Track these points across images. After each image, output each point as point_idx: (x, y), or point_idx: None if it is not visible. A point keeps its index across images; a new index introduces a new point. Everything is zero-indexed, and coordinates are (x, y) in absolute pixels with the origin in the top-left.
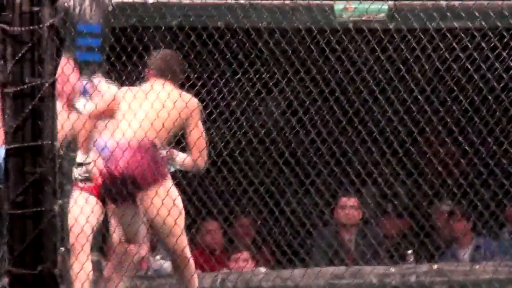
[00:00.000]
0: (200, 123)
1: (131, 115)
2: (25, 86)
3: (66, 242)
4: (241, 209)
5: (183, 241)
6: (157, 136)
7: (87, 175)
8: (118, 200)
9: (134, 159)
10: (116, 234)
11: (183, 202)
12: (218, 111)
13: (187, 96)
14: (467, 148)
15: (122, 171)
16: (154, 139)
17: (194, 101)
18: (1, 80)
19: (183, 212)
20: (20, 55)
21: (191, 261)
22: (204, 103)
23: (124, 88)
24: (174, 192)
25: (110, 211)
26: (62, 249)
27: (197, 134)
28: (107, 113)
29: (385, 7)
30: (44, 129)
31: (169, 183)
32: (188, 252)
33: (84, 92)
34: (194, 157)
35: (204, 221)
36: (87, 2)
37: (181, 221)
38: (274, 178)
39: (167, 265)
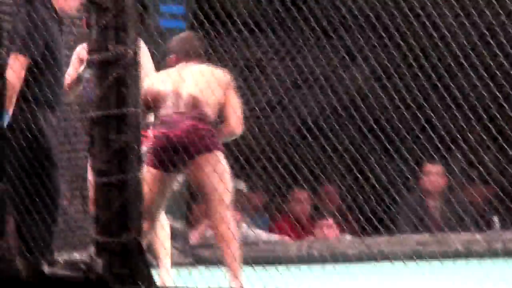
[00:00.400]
0: (235, 93)
1: (179, 93)
2: (109, 53)
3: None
4: (326, 177)
5: (230, 211)
6: (207, 112)
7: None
8: (167, 168)
9: (191, 126)
10: None
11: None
12: (303, 78)
13: (219, 71)
14: None
15: (178, 136)
16: (207, 111)
17: (226, 74)
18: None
19: (231, 185)
20: (104, 22)
21: (236, 231)
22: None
23: (156, 75)
24: (225, 163)
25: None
26: None
27: (235, 103)
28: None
29: None
30: (128, 96)
31: (221, 153)
32: (233, 223)
33: None
34: (232, 125)
35: (291, 189)
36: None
37: (230, 193)
38: (359, 145)
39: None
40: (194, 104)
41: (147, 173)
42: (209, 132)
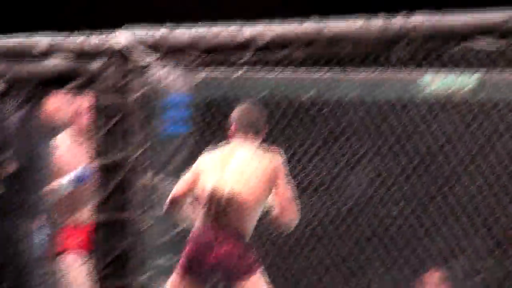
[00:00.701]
0: (285, 181)
1: (215, 194)
2: (113, 159)
3: None
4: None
5: None
6: (248, 218)
7: None
8: (195, 282)
9: (227, 250)
10: None
11: None
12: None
13: (270, 155)
14: None
15: (214, 263)
16: (244, 225)
17: (277, 156)
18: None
19: None
20: (108, 127)
21: None
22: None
23: (206, 157)
24: (263, 284)
25: None
26: None
27: (285, 191)
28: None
29: (473, 79)
30: (131, 202)
31: (259, 273)
32: None
33: (79, 178)
34: (283, 216)
35: None
36: (176, 74)
37: None
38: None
39: None
40: (238, 208)
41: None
42: (245, 252)
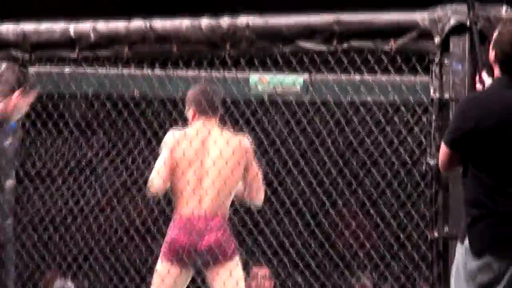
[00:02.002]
0: (254, 162)
1: (197, 181)
2: None
3: None
4: None
5: None
6: (227, 202)
7: None
8: (184, 266)
9: (214, 235)
10: None
11: None
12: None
13: (238, 138)
14: (379, 221)
15: (204, 246)
16: (225, 209)
17: (246, 141)
18: None
19: None
20: None
21: None
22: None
23: (177, 134)
24: (240, 270)
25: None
26: None
27: (253, 173)
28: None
29: (300, 79)
30: None
31: (237, 259)
32: None
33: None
34: (252, 196)
35: None
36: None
37: None
38: None
39: None
40: (216, 195)
41: (163, 267)
42: (229, 240)
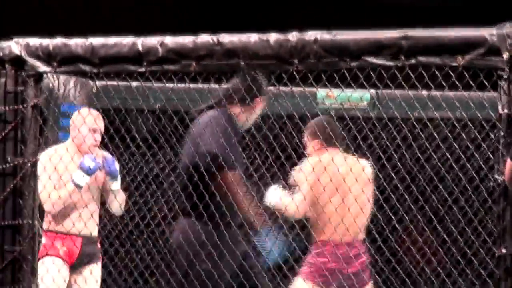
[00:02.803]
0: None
1: (342, 209)
2: (7, 165)
3: None
4: None
5: None
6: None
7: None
8: None
9: (363, 264)
10: None
11: None
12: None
13: (361, 161)
14: (445, 237)
15: (353, 274)
16: (364, 235)
17: (367, 163)
18: None
19: None
20: (3, 134)
21: None
22: None
23: (312, 163)
24: None
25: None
26: None
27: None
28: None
29: (367, 95)
30: (24, 208)
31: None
32: None
33: (84, 167)
34: None
35: None
36: (71, 83)
37: None
38: None
39: None
40: (361, 219)
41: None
42: (368, 265)
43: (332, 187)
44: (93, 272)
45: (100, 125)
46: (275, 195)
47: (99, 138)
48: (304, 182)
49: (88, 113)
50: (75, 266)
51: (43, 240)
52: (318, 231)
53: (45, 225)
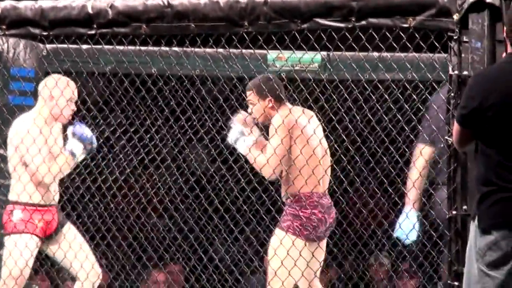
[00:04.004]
0: None
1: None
2: None
3: None
4: (170, 256)
5: None
6: None
7: None
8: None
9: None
10: None
11: None
12: (150, 157)
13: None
14: (397, 200)
15: (330, 224)
16: None
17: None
18: None
19: None
20: None
21: None
22: (137, 149)
23: (296, 111)
24: None
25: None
26: None
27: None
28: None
29: (318, 57)
30: None
31: None
32: None
33: (82, 137)
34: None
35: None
36: (21, 46)
37: None
38: (203, 226)
39: None
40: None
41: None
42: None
43: (305, 139)
44: (70, 231)
45: (76, 94)
46: (242, 146)
47: (74, 107)
48: (277, 137)
49: (67, 84)
50: (52, 236)
51: (21, 214)
52: (298, 183)
53: (23, 198)
